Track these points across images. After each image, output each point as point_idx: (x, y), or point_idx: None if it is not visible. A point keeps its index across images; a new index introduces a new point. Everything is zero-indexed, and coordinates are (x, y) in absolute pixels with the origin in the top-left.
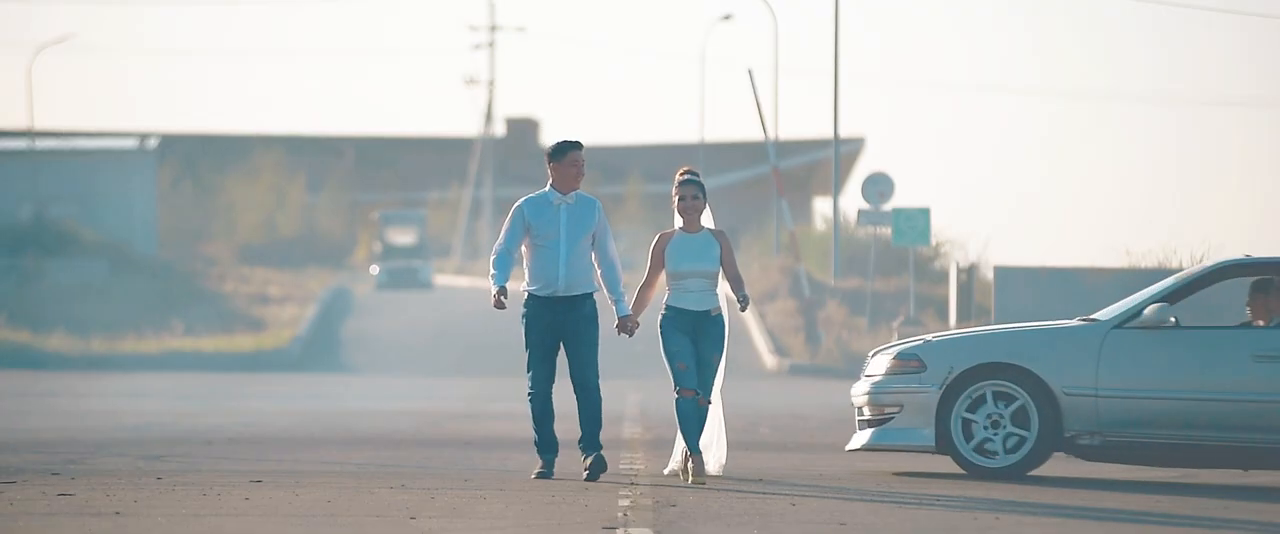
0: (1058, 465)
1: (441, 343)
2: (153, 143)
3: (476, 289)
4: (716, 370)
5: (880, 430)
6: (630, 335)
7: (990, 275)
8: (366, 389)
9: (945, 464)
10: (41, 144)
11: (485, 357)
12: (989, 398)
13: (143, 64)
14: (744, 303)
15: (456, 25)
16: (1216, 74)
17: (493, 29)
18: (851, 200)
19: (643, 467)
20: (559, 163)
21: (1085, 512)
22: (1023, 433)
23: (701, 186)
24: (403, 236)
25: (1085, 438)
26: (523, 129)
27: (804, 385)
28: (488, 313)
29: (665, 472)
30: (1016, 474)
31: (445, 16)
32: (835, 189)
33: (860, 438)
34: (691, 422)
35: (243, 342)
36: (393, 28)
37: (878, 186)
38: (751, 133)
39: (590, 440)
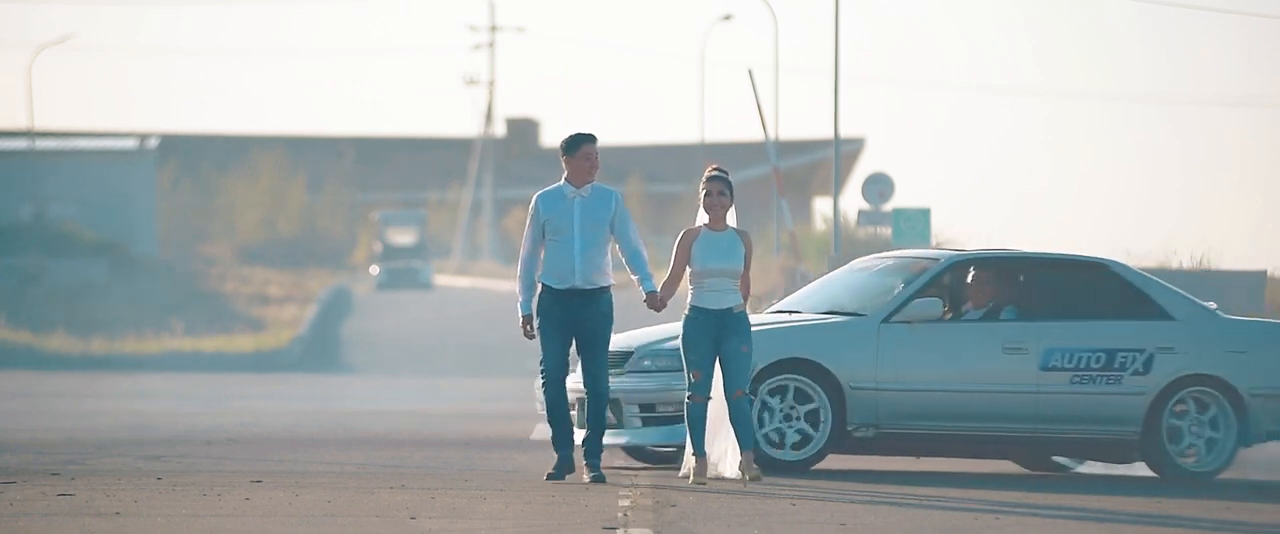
0: (1057, 463)
1: (441, 343)
2: (153, 143)
3: (477, 289)
4: (748, 361)
5: (670, 428)
6: (659, 311)
7: None
8: (366, 389)
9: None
10: (41, 144)
11: (485, 357)
12: (784, 392)
13: (143, 64)
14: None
15: (456, 25)
16: (1216, 74)
17: (493, 29)
18: (851, 200)
19: (643, 467)
20: (572, 156)
21: (1086, 512)
22: (813, 427)
23: (729, 184)
24: (403, 237)
25: (862, 431)
26: (523, 129)
27: None
28: (488, 313)
29: (680, 475)
30: (805, 468)
31: (445, 16)
32: (835, 189)
33: (646, 434)
34: (698, 427)
35: (243, 342)
36: (393, 28)
37: (878, 186)
38: (752, 133)
39: (594, 446)
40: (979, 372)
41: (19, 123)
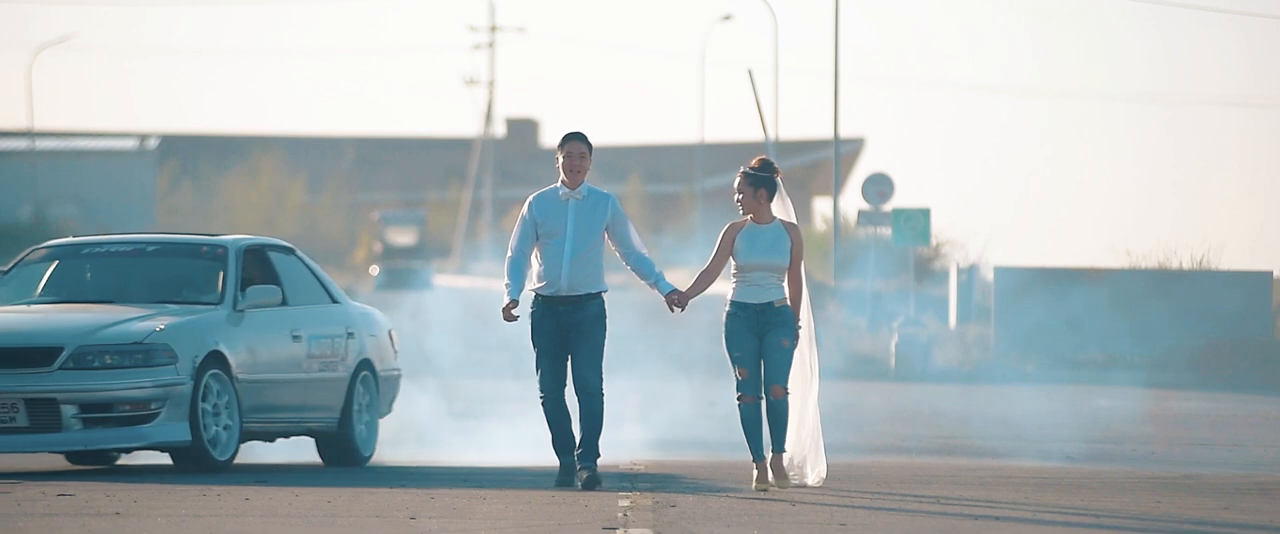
0: (1058, 463)
1: (441, 344)
2: (153, 143)
3: (477, 290)
4: (789, 356)
5: (131, 430)
6: (682, 308)
7: (990, 275)
8: None
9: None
10: (41, 144)
11: (485, 358)
12: (211, 386)
13: (143, 64)
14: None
15: (456, 25)
16: (1216, 74)
17: (493, 29)
18: (851, 200)
19: (643, 467)
20: (560, 152)
21: (1085, 513)
22: (231, 422)
23: (752, 178)
24: (403, 237)
25: (247, 424)
26: (523, 129)
27: None
28: (488, 314)
29: (754, 487)
30: (227, 466)
31: (445, 16)
32: (835, 189)
33: (92, 437)
34: (753, 428)
35: None
36: (393, 28)
37: (878, 187)
38: (752, 133)
39: (589, 449)
40: (279, 360)
41: (19, 123)
